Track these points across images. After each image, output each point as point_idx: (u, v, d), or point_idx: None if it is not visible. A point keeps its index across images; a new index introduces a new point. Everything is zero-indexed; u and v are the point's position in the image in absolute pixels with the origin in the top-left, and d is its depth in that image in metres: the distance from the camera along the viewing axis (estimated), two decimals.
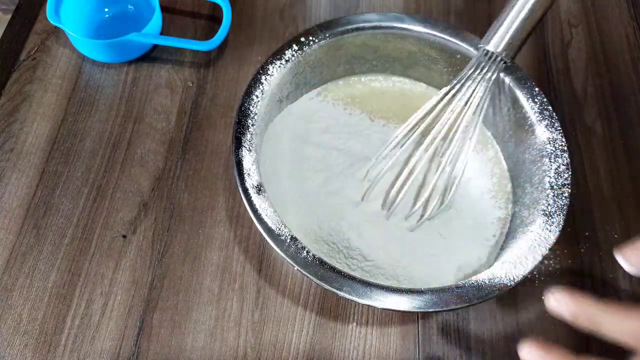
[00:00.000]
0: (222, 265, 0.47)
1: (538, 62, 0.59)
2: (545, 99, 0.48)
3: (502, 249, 0.47)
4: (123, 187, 0.50)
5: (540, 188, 0.45)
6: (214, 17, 0.61)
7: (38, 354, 0.43)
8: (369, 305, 0.41)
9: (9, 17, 0.59)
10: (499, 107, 0.51)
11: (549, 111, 0.48)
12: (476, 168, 0.51)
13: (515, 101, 0.49)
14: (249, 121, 0.46)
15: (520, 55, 0.59)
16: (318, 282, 0.39)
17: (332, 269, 0.40)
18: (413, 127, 0.47)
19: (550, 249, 0.42)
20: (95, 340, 0.44)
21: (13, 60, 0.56)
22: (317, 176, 0.49)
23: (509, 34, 0.46)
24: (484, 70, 0.46)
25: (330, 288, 0.39)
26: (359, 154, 0.50)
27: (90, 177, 0.51)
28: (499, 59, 0.46)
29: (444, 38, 0.51)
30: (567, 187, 0.44)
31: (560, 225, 0.43)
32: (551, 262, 0.48)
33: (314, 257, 0.40)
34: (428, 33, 0.51)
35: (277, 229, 0.41)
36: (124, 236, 0.48)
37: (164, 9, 0.60)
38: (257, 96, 0.47)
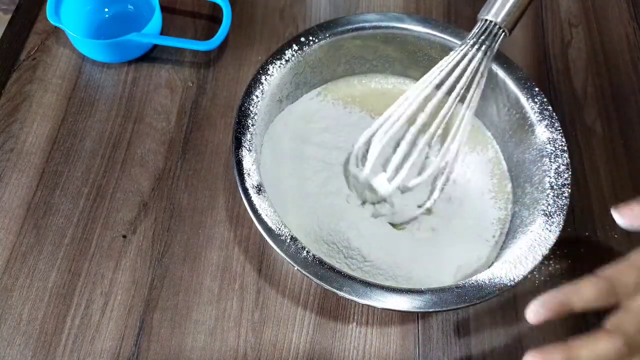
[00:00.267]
0: (222, 265, 0.47)
1: (538, 62, 0.59)
2: (545, 99, 0.48)
3: (502, 249, 0.47)
4: (123, 187, 0.50)
5: (540, 188, 0.45)
6: (214, 17, 0.61)
7: (38, 354, 0.43)
8: (369, 305, 0.41)
9: (9, 17, 0.59)
10: (499, 107, 0.51)
11: (549, 111, 0.48)
12: (476, 168, 0.51)
13: (515, 101, 0.49)
14: (249, 121, 0.46)
15: (520, 55, 0.59)
16: (318, 282, 0.39)
17: (332, 269, 0.40)
18: (414, 96, 0.47)
19: (550, 249, 0.42)
20: (95, 340, 0.44)
21: (13, 60, 0.56)
22: (317, 176, 0.49)
23: (509, 3, 0.45)
24: (484, 41, 0.46)
25: (330, 288, 0.39)
26: None
27: (90, 177, 0.51)
28: (499, 29, 0.46)
29: (444, 38, 0.51)
30: (567, 187, 0.44)
31: (560, 225, 0.43)
32: (551, 262, 0.48)
33: (314, 257, 0.40)
34: (428, 33, 0.51)
35: (277, 229, 0.41)
36: (124, 236, 0.48)
37: (164, 9, 0.60)
38: (257, 96, 0.47)
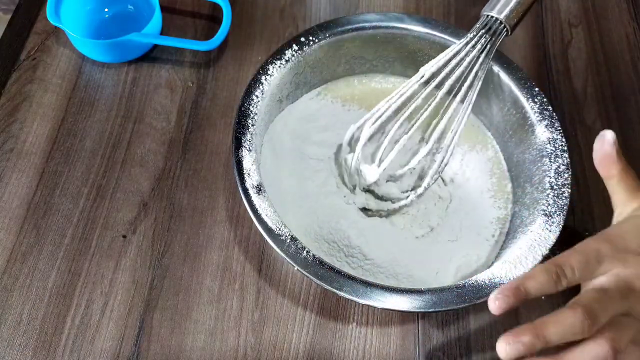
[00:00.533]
0: (222, 265, 0.47)
1: (538, 62, 0.59)
2: (545, 99, 0.48)
3: (502, 249, 0.47)
4: (123, 187, 0.50)
5: (540, 188, 0.45)
6: (214, 17, 0.61)
7: (38, 354, 0.43)
8: (369, 305, 0.41)
9: (9, 17, 0.59)
10: (499, 107, 0.51)
11: (549, 111, 0.48)
12: (476, 168, 0.51)
13: (515, 101, 0.49)
14: (249, 121, 0.46)
15: (520, 55, 0.59)
16: (318, 282, 0.39)
17: (332, 268, 0.40)
18: (409, 86, 0.47)
19: (550, 249, 0.42)
20: (95, 340, 0.44)
21: (13, 60, 0.56)
22: (317, 176, 0.49)
23: (514, 0, 0.45)
24: (484, 35, 0.46)
25: (330, 288, 0.39)
26: None
27: (90, 177, 0.51)
28: (501, 26, 0.46)
29: (444, 38, 0.51)
30: (567, 187, 0.44)
31: (560, 225, 0.43)
32: None
33: (314, 257, 0.40)
34: (428, 33, 0.51)
35: (277, 229, 0.41)
36: (124, 236, 0.48)
37: (164, 9, 0.60)
38: (257, 96, 0.47)
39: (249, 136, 0.45)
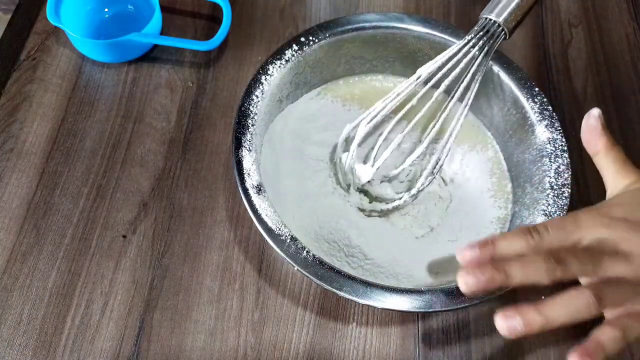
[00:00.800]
0: (222, 265, 0.47)
1: (538, 62, 0.59)
2: (545, 99, 0.48)
3: None
4: (123, 187, 0.50)
5: (540, 188, 0.45)
6: (214, 17, 0.61)
7: (38, 354, 0.43)
8: (369, 305, 0.41)
9: (9, 17, 0.59)
10: (499, 107, 0.51)
11: (549, 111, 0.48)
12: (476, 168, 0.51)
13: (515, 101, 0.49)
14: (249, 121, 0.46)
15: (520, 55, 0.59)
16: (318, 282, 0.39)
17: (332, 268, 0.40)
18: (405, 87, 0.47)
19: None
20: (95, 340, 0.44)
21: (13, 60, 0.56)
22: (317, 176, 0.49)
23: (513, 4, 0.45)
24: (482, 37, 0.46)
25: (330, 288, 0.39)
26: None
27: (90, 177, 0.51)
28: (500, 29, 0.46)
29: (444, 38, 0.51)
30: (567, 187, 0.44)
31: None
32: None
33: (314, 257, 0.40)
34: (428, 33, 0.51)
35: (277, 229, 0.41)
36: (124, 236, 0.48)
37: (164, 9, 0.60)
38: (257, 96, 0.47)
39: (249, 136, 0.45)
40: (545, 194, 0.44)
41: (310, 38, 0.50)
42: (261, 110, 0.47)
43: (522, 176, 0.48)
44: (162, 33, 0.59)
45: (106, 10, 0.60)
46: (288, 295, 0.46)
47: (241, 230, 0.49)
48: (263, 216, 0.42)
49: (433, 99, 0.46)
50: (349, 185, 0.48)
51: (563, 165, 0.45)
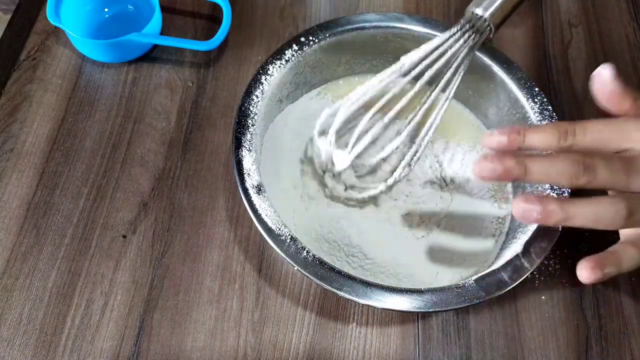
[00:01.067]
0: (222, 265, 0.47)
1: (538, 62, 0.59)
2: (545, 99, 0.48)
3: (502, 248, 0.47)
4: (123, 187, 0.50)
5: (540, 188, 0.45)
6: (214, 17, 0.61)
7: (38, 353, 0.43)
8: (369, 305, 0.41)
9: (9, 17, 0.59)
10: (499, 107, 0.51)
11: (549, 111, 0.48)
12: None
13: (515, 101, 0.49)
14: (249, 121, 0.46)
15: (520, 55, 0.59)
16: (318, 282, 0.39)
17: (332, 268, 0.40)
18: (384, 77, 0.46)
19: (550, 249, 0.42)
20: (95, 340, 0.44)
21: (13, 60, 0.56)
22: (317, 175, 0.49)
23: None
24: (466, 32, 0.45)
25: (330, 288, 0.39)
26: None
27: (90, 177, 0.51)
28: (485, 24, 0.45)
29: None
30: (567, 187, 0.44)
31: (561, 225, 0.43)
32: (551, 262, 0.48)
33: (314, 257, 0.40)
34: (428, 33, 0.51)
35: (277, 229, 0.41)
36: (124, 236, 0.48)
37: (164, 9, 0.60)
38: (257, 96, 0.47)
39: (249, 136, 0.45)
40: (545, 194, 0.44)
41: (310, 38, 0.50)
42: (261, 110, 0.47)
43: None
44: (162, 33, 0.59)
45: (106, 10, 0.60)
46: (288, 295, 0.46)
47: (241, 230, 0.49)
48: (263, 216, 0.42)
49: (415, 89, 0.45)
50: (324, 172, 0.48)
51: None
